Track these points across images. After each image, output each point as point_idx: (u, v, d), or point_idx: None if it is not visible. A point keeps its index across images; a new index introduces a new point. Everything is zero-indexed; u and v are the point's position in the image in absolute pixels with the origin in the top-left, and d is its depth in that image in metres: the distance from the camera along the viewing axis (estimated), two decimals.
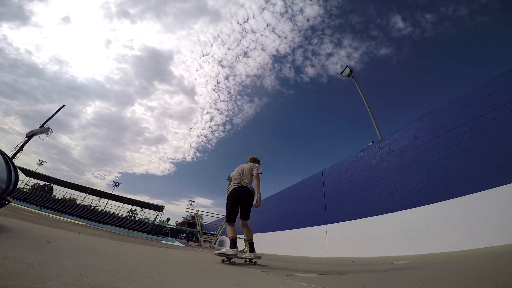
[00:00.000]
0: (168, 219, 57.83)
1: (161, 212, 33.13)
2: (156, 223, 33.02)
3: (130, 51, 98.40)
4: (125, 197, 32.06)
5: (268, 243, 10.49)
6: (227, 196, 3.56)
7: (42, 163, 34.43)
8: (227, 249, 3.14)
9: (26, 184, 29.64)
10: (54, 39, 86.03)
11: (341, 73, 13.24)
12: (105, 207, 31.29)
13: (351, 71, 12.83)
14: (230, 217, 3.44)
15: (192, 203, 48.83)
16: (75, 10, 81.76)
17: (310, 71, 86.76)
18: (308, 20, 74.24)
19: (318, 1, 71.32)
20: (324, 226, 7.84)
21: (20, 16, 68.63)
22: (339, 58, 77.99)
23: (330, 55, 79.05)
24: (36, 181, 33.17)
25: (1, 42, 74.01)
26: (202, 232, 10.12)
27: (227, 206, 3.51)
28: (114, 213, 31.24)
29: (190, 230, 14.99)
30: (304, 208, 9.57)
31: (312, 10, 72.89)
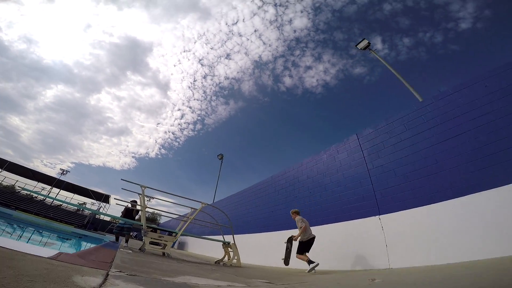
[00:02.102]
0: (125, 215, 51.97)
1: (105, 204, 28.56)
2: (98, 217, 28.45)
3: (109, 38, 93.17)
4: (55, 179, 26.71)
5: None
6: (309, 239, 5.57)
7: None
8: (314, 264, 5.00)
9: None
10: (31, 17, 77.37)
11: (356, 46, 11.94)
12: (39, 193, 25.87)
13: (368, 43, 11.42)
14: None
15: (150, 200, 43.88)
16: None
17: (287, 81, 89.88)
18: (295, 31, 76.22)
19: (308, 14, 73.06)
20: (376, 218, 5.55)
21: None
22: (317, 72, 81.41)
23: (308, 68, 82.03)
24: None
25: None
26: (148, 227, 6.25)
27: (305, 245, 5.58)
28: (43, 200, 26.01)
29: (126, 222, 7.87)
30: (333, 193, 7.17)
31: (301, 22, 74.71)
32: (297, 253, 5.59)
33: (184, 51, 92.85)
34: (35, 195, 26.23)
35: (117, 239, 8.22)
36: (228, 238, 7.71)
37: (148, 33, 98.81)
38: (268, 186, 10.83)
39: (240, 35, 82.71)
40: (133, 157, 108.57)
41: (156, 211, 36.88)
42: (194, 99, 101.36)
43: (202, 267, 4.49)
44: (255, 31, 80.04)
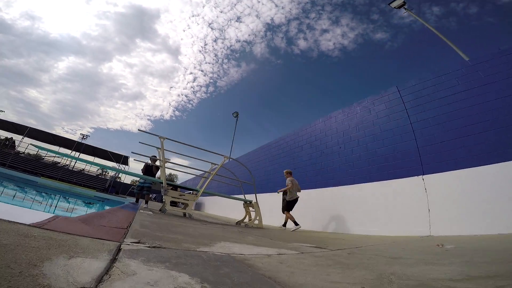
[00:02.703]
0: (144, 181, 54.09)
1: (124, 166, 29.04)
2: (119, 180, 29.38)
3: (113, 8, 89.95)
4: (74, 142, 26.87)
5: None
6: (293, 200, 6.51)
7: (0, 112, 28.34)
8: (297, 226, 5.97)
9: None
10: None
11: (389, 4, 10.57)
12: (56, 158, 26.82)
13: (404, 2, 10.10)
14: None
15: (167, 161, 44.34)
16: None
17: (302, 44, 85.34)
18: None
19: None
20: (418, 178, 4.93)
21: None
22: (334, 36, 76.35)
23: (325, 31, 76.92)
24: None
25: None
26: (168, 185, 5.85)
27: (290, 204, 6.49)
28: (66, 166, 26.98)
29: (146, 180, 7.30)
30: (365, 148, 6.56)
31: None
32: (286, 211, 6.43)
33: (193, 16, 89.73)
34: (58, 161, 27.11)
35: (137, 200, 7.93)
36: (249, 197, 7.33)
37: (153, 0, 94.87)
38: (291, 141, 10.14)
39: None
40: (148, 119, 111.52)
41: (173, 172, 37.69)
42: (206, 63, 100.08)
43: (228, 229, 4.05)
44: None
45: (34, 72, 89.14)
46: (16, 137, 28.51)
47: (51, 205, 6.92)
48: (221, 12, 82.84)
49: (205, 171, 7.23)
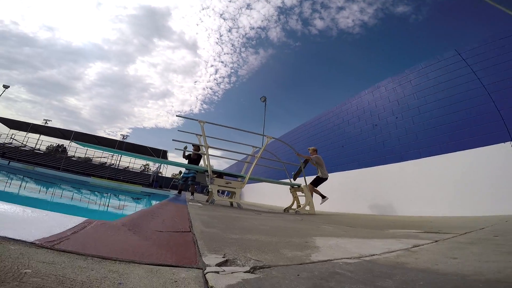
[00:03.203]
0: (180, 172, 56.69)
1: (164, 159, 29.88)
2: (161, 174, 30.57)
3: (124, 11, 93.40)
4: (116, 141, 28.25)
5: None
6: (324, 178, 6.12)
7: (47, 122, 31.00)
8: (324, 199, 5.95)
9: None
10: (39, 7, 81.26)
11: None
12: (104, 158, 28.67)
13: None
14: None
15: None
16: None
17: (319, 23, 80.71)
18: None
19: None
20: (505, 145, 4.04)
21: None
22: (351, 12, 70.91)
23: (341, 8, 71.71)
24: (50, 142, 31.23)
25: None
26: (213, 173, 5.29)
27: (319, 182, 6.12)
28: (112, 165, 28.69)
29: (190, 170, 6.91)
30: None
31: None
32: (313, 185, 6.12)
33: (203, 9, 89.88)
34: (105, 161, 28.92)
35: (179, 192, 7.73)
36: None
37: None
38: (334, 117, 9.21)
39: None
40: (179, 115, 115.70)
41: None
42: (224, 53, 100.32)
43: (287, 218, 3.47)
44: None
45: (68, 81, 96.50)
46: (66, 143, 31.11)
47: (100, 204, 6.96)
48: (230, 1, 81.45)
49: (248, 154, 6.70)
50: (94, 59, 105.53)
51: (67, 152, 29.42)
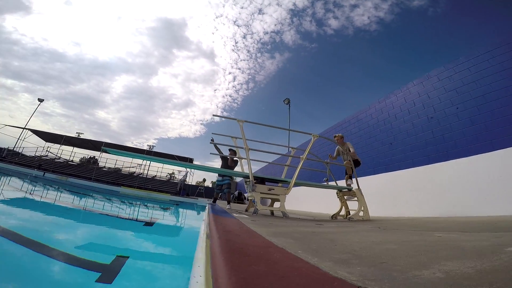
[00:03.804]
0: (204, 180, 57.54)
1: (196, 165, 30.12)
2: (187, 183, 30.77)
3: (143, 23, 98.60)
4: (144, 150, 29.25)
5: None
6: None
7: (80, 134, 32.89)
8: None
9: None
10: (64, 23, 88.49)
11: None
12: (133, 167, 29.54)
13: None
14: None
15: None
16: None
17: (333, 23, 79.61)
18: None
19: None
20: None
21: (20, 6, 71.50)
22: (366, 9, 69.49)
23: (354, 6, 70.37)
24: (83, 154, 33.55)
25: (14, 34, 77.27)
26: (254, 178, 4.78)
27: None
28: (140, 174, 29.36)
29: (225, 176, 6.48)
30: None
31: None
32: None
33: (217, 17, 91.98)
34: (134, 171, 29.73)
35: (214, 200, 7.30)
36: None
37: (175, 9, 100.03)
38: (376, 112, 8.45)
39: None
40: (201, 124, 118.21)
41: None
42: (241, 60, 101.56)
43: (365, 228, 2.84)
44: None
45: (97, 94, 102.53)
46: (97, 154, 32.55)
47: (133, 212, 6.71)
48: (241, 8, 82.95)
49: (282, 154, 6.18)
50: (120, 72, 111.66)
51: (98, 163, 30.56)
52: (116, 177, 26.56)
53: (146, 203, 9.97)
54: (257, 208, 4.67)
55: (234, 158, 6.29)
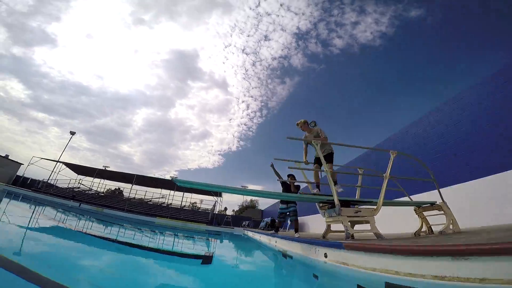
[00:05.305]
0: (225, 209, 57.04)
1: (219, 198, 30.09)
2: (216, 212, 30.20)
3: (158, 56, 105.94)
4: (174, 183, 28.58)
5: None
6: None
7: (106, 168, 34.19)
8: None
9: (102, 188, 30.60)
10: (87, 56, 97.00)
11: None
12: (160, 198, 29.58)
13: None
14: None
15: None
16: (92, 25, 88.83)
17: (338, 42, 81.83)
18: None
19: None
20: None
21: (47, 39, 78.33)
22: (367, 26, 71.71)
23: (356, 23, 72.87)
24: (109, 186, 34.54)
25: (44, 66, 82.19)
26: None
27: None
28: (169, 204, 29.33)
29: (290, 203, 6.08)
30: None
31: None
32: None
33: (226, 47, 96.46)
34: (163, 201, 29.77)
35: (277, 229, 6.68)
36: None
37: (187, 41, 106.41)
38: (444, 117, 7.45)
39: (269, 14, 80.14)
40: (219, 154, 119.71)
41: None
42: (253, 88, 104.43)
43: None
44: (281, 5, 77.00)
45: (120, 128, 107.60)
46: (123, 185, 33.38)
47: (193, 247, 6.11)
48: (248, 36, 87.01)
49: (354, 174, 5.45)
50: (140, 105, 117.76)
51: (123, 194, 31.09)
52: (147, 207, 26.62)
53: (186, 235, 9.40)
54: (348, 233, 3.94)
55: (296, 183, 5.80)
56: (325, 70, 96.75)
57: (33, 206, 9.48)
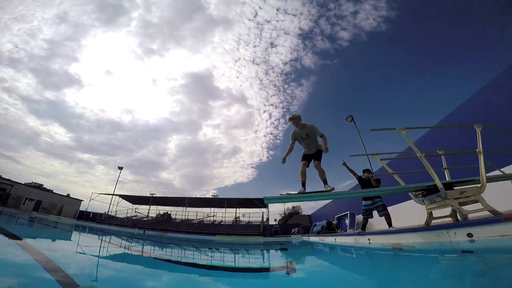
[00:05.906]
0: (267, 219, 57.15)
1: (265, 209, 30.54)
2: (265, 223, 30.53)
3: (175, 82, 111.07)
4: (225, 199, 30.54)
5: None
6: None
7: (153, 195, 36.66)
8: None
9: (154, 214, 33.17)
10: (112, 92, 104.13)
11: None
12: (207, 217, 30.85)
13: None
14: None
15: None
16: (107, 61, 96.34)
17: (344, 35, 79.74)
18: None
19: None
20: None
21: (72, 80, 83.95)
22: (367, 13, 68.71)
23: (355, 13, 70.53)
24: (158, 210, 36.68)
25: (77, 107, 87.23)
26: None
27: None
28: (220, 222, 30.47)
29: (375, 198, 6.12)
30: None
31: None
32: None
33: (236, 62, 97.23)
34: (214, 220, 30.95)
35: (363, 227, 6.64)
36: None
37: (198, 63, 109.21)
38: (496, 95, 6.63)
39: (268, 21, 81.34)
40: (252, 167, 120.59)
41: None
42: (271, 96, 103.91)
43: None
44: (277, 10, 77.04)
45: (157, 157, 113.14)
46: (171, 208, 35.55)
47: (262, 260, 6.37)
48: (254, 46, 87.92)
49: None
50: (170, 132, 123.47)
51: (171, 217, 33.05)
52: (201, 227, 27.82)
53: (248, 249, 9.67)
54: (463, 215, 3.88)
55: (375, 177, 5.84)
56: (340, 64, 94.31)
57: (106, 237, 10.29)
